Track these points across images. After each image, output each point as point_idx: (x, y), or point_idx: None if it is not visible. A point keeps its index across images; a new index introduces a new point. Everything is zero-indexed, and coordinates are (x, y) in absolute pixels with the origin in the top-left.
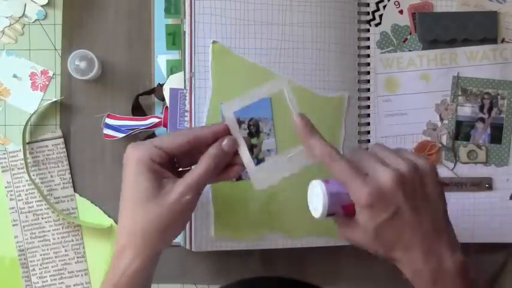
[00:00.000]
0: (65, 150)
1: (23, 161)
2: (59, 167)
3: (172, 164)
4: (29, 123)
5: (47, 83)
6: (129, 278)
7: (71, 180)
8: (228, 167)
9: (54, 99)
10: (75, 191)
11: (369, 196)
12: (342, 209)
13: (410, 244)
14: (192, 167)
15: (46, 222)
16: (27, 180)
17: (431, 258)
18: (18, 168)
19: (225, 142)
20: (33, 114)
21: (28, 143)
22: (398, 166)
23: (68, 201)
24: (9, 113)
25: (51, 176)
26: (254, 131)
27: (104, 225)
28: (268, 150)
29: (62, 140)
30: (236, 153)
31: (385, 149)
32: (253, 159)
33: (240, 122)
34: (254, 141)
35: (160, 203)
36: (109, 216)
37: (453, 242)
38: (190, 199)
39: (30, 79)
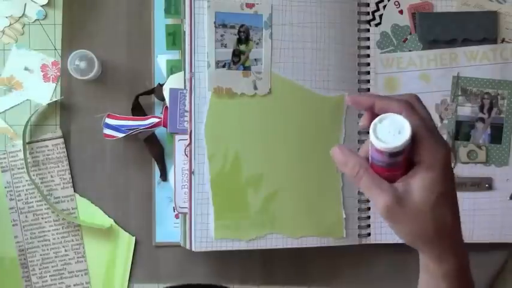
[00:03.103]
0: (65, 150)
1: (22, 161)
2: (58, 167)
3: None
4: (29, 123)
5: (58, 74)
6: None
7: (71, 181)
8: None
9: (54, 99)
10: (75, 190)
11: (446, 154)
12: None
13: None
14: None
15: (46, 222)
16: (27, 180)
17: (451, 256)
18: (18, 168)
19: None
20: (33, 114)
21: (28, 143)
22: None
23: (68, 201)
24: (22, 106)
25: (51, 176)
26: (244, 37)
27: (104, 225)
28: (255, 59)
29: (62, 140)
30: None
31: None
32: (239, 66)
33: (230, 27)
34: (243, 48)
35: None
36: (109, 216)
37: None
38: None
39: (42, 71)
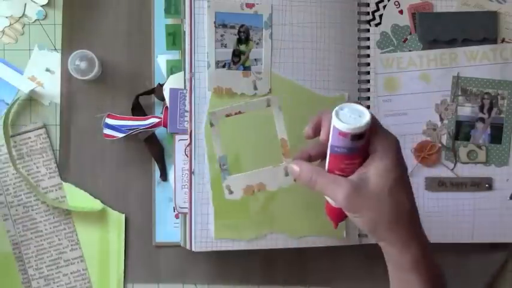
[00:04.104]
0: (48, 139)
1: (6, 155)
2: (43, 157)
3: None
4: (10, 116)
5: None
6: None
7: (56, 169)
8: None
9: (27, 91)
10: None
11: (397, 143)
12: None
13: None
14: None
15: (37, 213)
16: (13, 174)
17: (414, 244)
18: (3, 163)
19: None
20: (11, 105)
21: (11, 136)
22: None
23: (55, 190)
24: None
25: (37, 167)
26: (244, 37)
27: (95, 208)
28: (255, 59)
29: (44, 129)
30: None
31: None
32: (239, 66)
33: (230, 27)
34: (243, 48)
35: None
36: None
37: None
38: None
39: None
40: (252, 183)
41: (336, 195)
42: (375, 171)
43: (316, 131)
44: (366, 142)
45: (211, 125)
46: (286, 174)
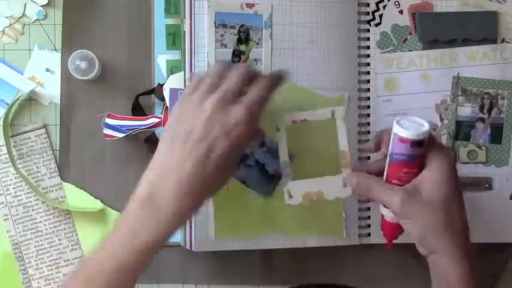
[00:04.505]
0: (48, 139)
1: (7, 155)
2: (43, 157)
3: None
4: (10, 116)
5: None
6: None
7: (56, 169)
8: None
9: (28, 91)
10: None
11: (452, 160)
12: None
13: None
14: None
15: (37, 213)
16: (13, 174)
17: (464, 258)
18: (4, 163)
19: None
20: (11, 105)
21: (11, 136)
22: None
23: (56, 190)
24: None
25: (37, 167)
26: (244, 37)
27: (95, 208)
28: (255, 59)
29: (44, 129)
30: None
31: None
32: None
33: (230, 27)
34: (243, 48)
35: None
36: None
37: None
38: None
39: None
40: (311, 190)
41: (392, 202)
42: (429, 182)
43: (377, 147)
44: (423, 152)
45: (278, 129)
46: (345, 185)
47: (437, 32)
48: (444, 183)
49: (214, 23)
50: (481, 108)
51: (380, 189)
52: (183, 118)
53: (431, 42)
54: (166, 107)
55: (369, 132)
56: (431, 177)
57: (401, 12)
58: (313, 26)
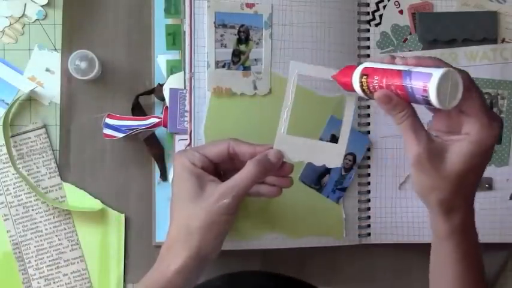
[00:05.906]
0: (48, 139)
1: (7, 155)
2: (43, 157)
3: (218, 170)
4: (10, 116)
5: None
6: (170, 276)
7: (56, 169)
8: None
9: (28, 91)
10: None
11: (495, 136)
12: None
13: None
14: None
15: (37, 213)
16: (13, 174)
17: (458, 213)
18: (3, 163)
19: (272, 152)
20: (11, 105)
21: (11, 136)
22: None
23: (56, 190)
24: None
25: (37, 167)
26: (244, 37)
27: (95, 208)
28: (255, 59)
29: (44, 130)
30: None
31: None
32: (239, 66)
33: (230, 27)
34: (243, 48)
35: (200, 203)
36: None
37: None
38: (228, 203)
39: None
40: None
41: (410, 148)
42: (458, 155)
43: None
44: None
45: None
46: None
47: (437, 32)
48: (474, 158)
49: (214, 23)
50: None
51: (408, 125)
52: None
53: (431, 42)
54: (166, 107)
55: (368, 132)
56: (462, 149)
57: (401, 12)
58: (313, 26)
